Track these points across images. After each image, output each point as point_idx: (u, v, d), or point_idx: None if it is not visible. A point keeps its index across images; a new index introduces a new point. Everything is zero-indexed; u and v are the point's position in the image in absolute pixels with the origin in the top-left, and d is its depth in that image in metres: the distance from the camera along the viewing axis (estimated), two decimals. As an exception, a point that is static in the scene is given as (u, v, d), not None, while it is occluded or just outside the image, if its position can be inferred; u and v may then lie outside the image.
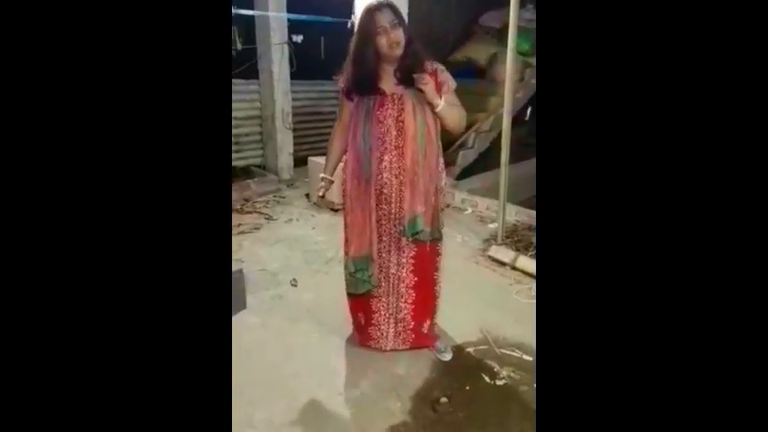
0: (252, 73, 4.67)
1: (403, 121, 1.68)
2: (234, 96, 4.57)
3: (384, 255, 1.84)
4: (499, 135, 3.24)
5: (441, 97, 1.67)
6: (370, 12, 1.62)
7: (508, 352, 2.04)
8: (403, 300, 1.91)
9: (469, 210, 3.91)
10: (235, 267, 2.39)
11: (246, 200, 4.10)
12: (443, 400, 1.75)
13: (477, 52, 5.61)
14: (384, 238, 1.82)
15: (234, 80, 4.51)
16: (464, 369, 1.94)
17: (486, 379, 1.88)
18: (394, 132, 1.69)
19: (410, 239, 1.80)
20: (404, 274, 1.87)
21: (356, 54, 1.69)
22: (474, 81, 5.27)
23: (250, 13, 4.31)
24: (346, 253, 1.88)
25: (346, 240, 1.86)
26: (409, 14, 3.57)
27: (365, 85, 1.70)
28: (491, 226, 3.43)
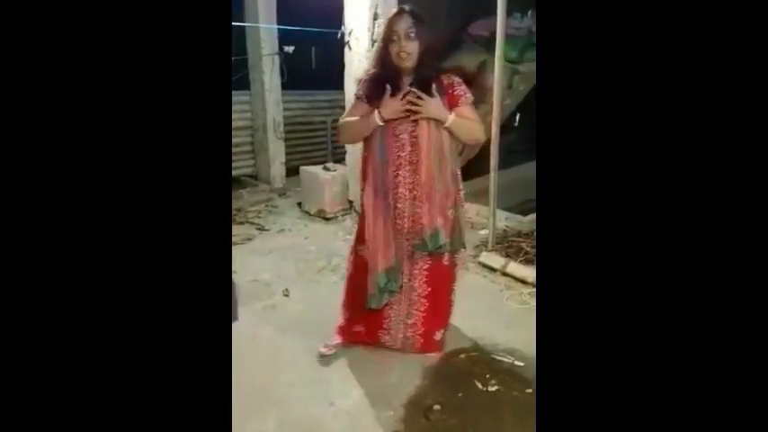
0: (243, 83, 4.68)
1: (417, 136, 1.68)
2: (225, 107, 4.58)
3: None
4: (488, 142, 3.26)
5: (452, 111, 1.66)
6: (390, 18, 1.63)
7: (500, 358, 2.05)
8: (414, 307, 1.92)
9: (461, 216, 3.92)
10: (226, 278, 2.38)
11: (239, 210, 4.09)
12: (436, 407, 1.76)
13: (467, 61, 5.65)
14: (397, 252, 1.82)
15: (225, 91, 4.52)
16: (456, 375, 1.95)
17: (479, 385, 1.88)
18: (409, 148, 1.70)
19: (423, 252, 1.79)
20: (416, 284, 1.88)
21: (374, 60, 1.71)
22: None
23: (240, 24, 4.33)
24: (374, 268, 1.80)
25: (373, 255, 1.80)
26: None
27: (381, 93, 1.68)
28: (481, 233, 3.45)
